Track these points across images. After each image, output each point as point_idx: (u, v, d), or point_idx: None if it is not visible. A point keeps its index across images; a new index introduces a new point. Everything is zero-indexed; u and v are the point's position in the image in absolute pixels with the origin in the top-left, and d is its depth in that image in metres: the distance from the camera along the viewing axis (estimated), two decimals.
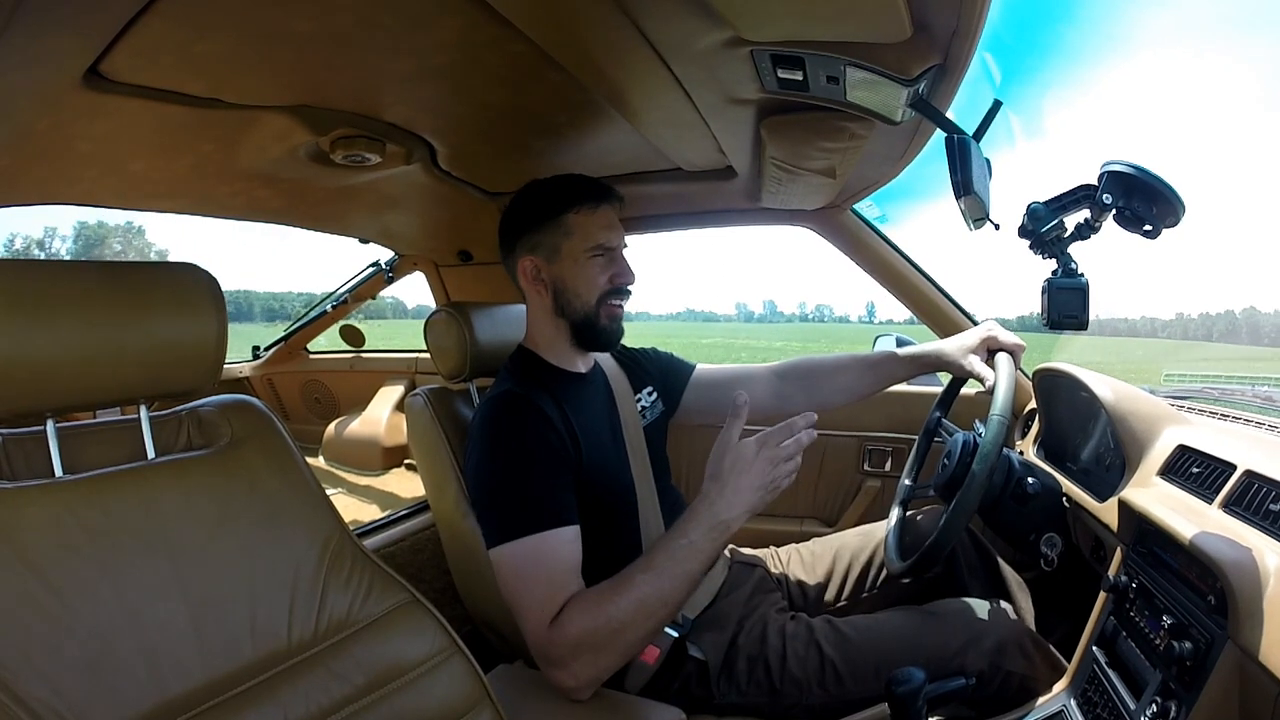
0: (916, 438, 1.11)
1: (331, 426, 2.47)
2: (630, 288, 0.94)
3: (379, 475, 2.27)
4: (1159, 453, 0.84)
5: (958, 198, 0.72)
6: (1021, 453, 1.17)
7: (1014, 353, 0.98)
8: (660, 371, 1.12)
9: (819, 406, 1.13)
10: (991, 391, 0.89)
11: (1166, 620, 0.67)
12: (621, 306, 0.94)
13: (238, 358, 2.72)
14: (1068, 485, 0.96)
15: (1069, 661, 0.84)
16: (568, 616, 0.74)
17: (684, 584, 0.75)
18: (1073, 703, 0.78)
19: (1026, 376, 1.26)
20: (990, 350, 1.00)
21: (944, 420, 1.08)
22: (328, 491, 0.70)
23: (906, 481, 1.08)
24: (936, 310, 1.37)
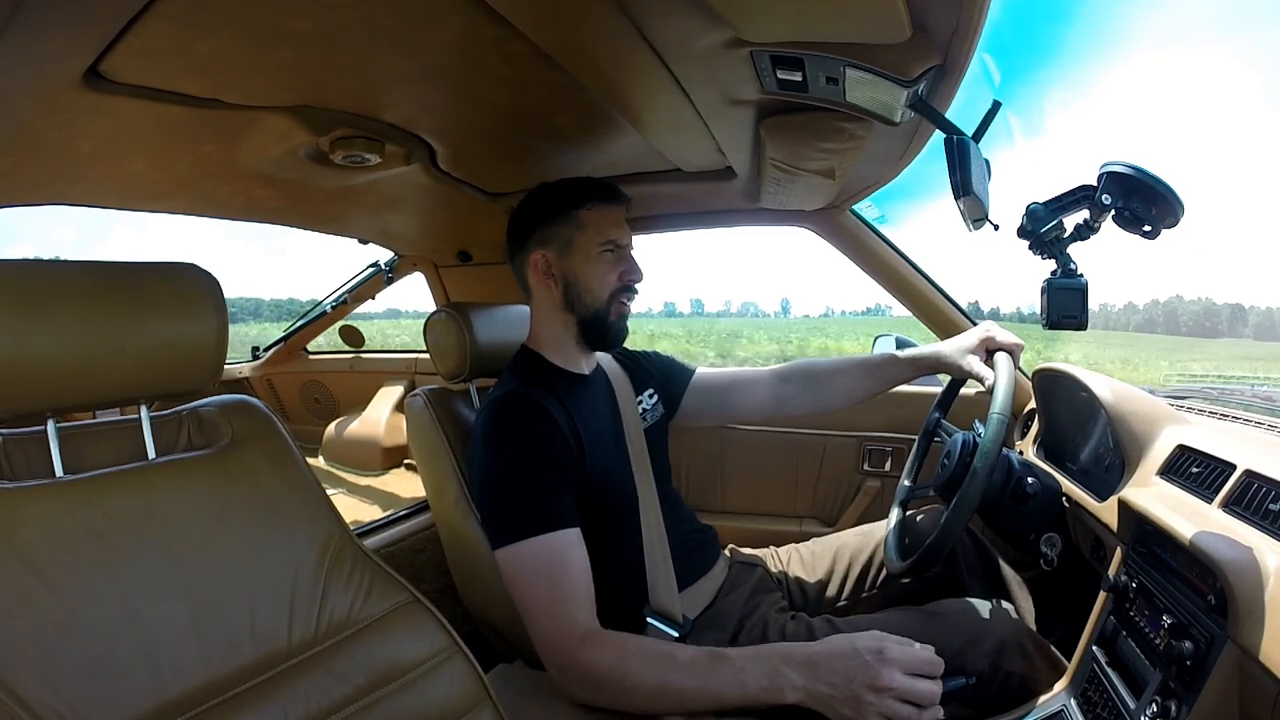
0: (916, 438, 1.11)
1: (331, 427, 2.47)
2: (638, 286, 0.95)
3: (379, 475, 2.26)
4: (1159, 452, 0.85)
5: (957, 198, 0.72)
6: (1021, 453, 1.17)
7: (1012, 352, 0.97)
8: (661, 374, 1.12)
9: (820, 409, 1.13)
10: (991, 391, 0.89)
11: (1166, 620, 0.67)
12: (629, 305, 0.96)
13: (237, 358, 2.72)
14: (1067, 485, 0.96)
15: (1069, 661, 0.84)
16: (599, 651, 0.74)
17: (711, 702, 0.70)
18: (1073, 702, 0.78)
19: (1026, 376, 1.26)
20: (989, 350, 1.00)
21: (943, 421, 1.08)
22: (328, 492, 0.70)
23: (906, 482, 1.08)
24: (936, 311, 1.37)
